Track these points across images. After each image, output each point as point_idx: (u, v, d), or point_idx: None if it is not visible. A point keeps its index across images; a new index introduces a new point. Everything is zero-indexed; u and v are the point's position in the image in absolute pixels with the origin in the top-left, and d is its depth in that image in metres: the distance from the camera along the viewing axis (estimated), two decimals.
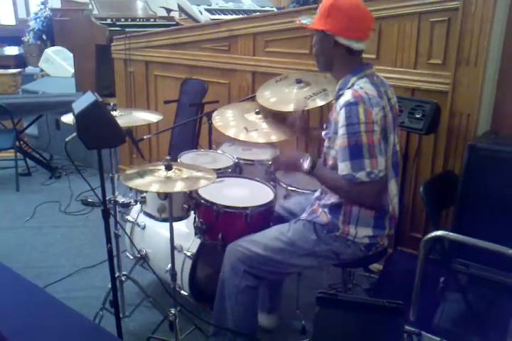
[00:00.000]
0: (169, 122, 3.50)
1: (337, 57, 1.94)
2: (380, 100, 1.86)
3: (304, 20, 2.01)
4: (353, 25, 1.88)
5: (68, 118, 2.35)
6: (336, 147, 1.88)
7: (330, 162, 2.00)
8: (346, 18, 1.86)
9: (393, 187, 2.02)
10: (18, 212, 3.96)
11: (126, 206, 2.42)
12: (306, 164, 1.97)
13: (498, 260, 1.91)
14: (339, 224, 1.99)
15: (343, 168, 1.83)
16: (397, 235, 2.71)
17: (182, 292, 2.52)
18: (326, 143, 2.02)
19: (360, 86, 1.87)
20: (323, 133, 2.07)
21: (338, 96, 1.94)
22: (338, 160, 1.86)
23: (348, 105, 1.81)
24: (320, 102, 2.50)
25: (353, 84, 1.90)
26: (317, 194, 2.14)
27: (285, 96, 2.60)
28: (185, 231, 2.51)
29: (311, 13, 2.01)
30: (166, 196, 2.17)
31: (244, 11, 4.95)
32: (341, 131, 1.83)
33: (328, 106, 2.55)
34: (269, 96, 2.64)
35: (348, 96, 1.84)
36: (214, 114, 2.75)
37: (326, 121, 2.09)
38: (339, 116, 1.85)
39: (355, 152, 1.80)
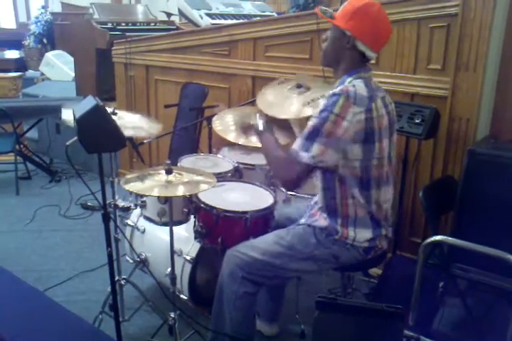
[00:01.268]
0: (169, 126, 3.51)
1: (347, 59, 1.95)
2: (368, 102, 1.86)
3: (325, 13, 1.99)
4: (374, 35, 1.90)
5: (68, 115, 2.32)
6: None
7: None
8: (370, 26, 1.87)
9: (384, 193, 2.00)
10: (18, 216, 3.96)
11: (126, 210, 2.43)
12: (259, 124, 2.13)
13: (497, 265, 1.91)
14: (338, 228, 1.99)
15: (296, 142, 1.89)
16: (396, 240, 2.72)
17: (181, 296, 2.52)
18: None
19: (353, 84, 1.89)
20: None
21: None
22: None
23: (333, 95, 1.85)
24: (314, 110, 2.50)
25: (347, 83, 1.93)
26: (316, 198, 2.14)
27: (285, 101, 2.60)
28: (185, 236, 2.52)
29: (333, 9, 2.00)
30: (166, 200, 2.18)
31: (245, 16, 4.97)
32: (315, 112, 1.88)
33: None
34: (269, 101, 2.65)
35: (337, 89, 1.88)
36: (214, 119, 2.76)
37: None
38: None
39: (312, 134, 1.85)
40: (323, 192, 2.02)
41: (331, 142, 1.83)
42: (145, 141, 2.79)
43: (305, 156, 1.84)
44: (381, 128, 1.91)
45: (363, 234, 1.99)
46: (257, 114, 2.23)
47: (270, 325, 2.53)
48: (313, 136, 1.84)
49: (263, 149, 2.12)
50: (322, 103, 1.88)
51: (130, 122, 2.46)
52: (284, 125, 2.65)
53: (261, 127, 2.16)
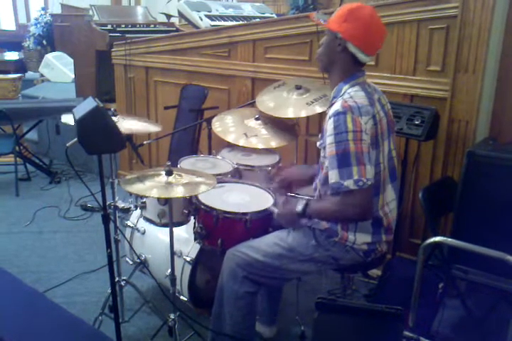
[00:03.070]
0: (169, 128, 3.51)
1: (340, 62, 1.94)
2: (370, 108, 1.86)
3: (320, 18, 2.00)
4: (366, 37, 1.89)
5: (68, 119, 2.33)
6: (326, 156, 1.89)
7: (324, 171, 1.99)
8: (362, 28, 1.87)
9: (390, 193, 2.02)
10: (18, 217, 3.96)
11: (126, 211, 2.42)
12: (299, 206, 1.98)
13: (497, 266, 1.92)
14: (338, 230, 1.99)
15: (332, 176, 1.84)
16: (396, 241, 2.72)
17: (181, 297, 2.52)
18: (321, 153, 2.02)
19: (351, 95, 1.88)
20: (317, 143, 2.08)
21: (330, 105, 1.96)
22: (328, 168, 1.86)
23: (337, 115, 1.82)
24: (320, 108, 2.51)
25: (344, 93, 1.91)
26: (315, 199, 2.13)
27: (285, 102, 2.61)
28: (185, 237, 2.52)
29: (325, 12, 2.00)
30: (166, 201, 2.18)
31: (244, 18, 4.97)
32: (329, 139, 1.84)
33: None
34: (269, 102, 2.65)
35: (337, 105, 1.86)
36: (214, 120, 2.76)
37: (321, 131, 2.10)
38: (328, 125, 1.86)
39: (343, 160, 1.80)
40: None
41: (364, 158, 1.80)
42: (145, 142, 2.79)
43: (350, 183, 1.79)
44: (383, 131, 1.92)
45: (363, 238, 1.99)
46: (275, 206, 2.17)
47: (269, 328, 2.53)
48: (344, 161, 1.80)
49: (319, 217, 2.01)
50: (329, 126, 1.84)
51: (130, 124, 2.48)
52: (286, 126, 2.67)
53: (299, 209, 1.98)
